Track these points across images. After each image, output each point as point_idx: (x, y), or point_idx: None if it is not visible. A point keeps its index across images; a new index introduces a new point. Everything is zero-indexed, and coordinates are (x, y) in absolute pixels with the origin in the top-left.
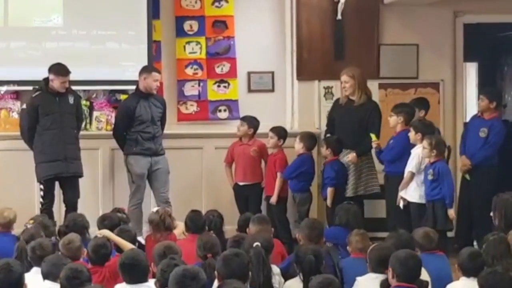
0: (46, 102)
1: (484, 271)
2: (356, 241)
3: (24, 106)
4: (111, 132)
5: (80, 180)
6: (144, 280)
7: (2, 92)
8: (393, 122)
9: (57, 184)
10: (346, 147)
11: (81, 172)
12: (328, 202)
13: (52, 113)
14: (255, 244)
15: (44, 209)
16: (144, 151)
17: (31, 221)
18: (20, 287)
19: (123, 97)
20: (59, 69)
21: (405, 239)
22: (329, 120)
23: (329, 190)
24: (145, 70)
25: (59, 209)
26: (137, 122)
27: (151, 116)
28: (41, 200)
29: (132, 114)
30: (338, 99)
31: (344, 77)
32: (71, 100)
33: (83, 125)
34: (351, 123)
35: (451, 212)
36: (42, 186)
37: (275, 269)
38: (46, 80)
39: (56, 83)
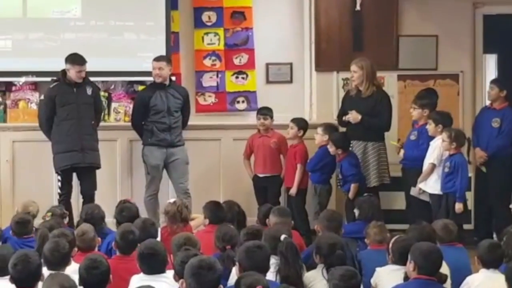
0: (63, 93)
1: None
2: (375, 233)
3: (42, 97)
4: (129, 124)
5: (98, 172)
6: (162, 271)
7: (20, 83)
8: (417, 115)
9: (75, 176)
10: (357, 139)
11: (98, 163)
12: (351, 196)
13: (69, 104)
14: (283, 237)
15: (61, 200)
16: (159, 142)
17: (49, 214)
18: (37, 278)
19: (141, 88)
20: (74, 59)
21: (427, 231)
22: (341, 111)
23: (354, 186)
24: (153, 60)
25: (77, 200)
26: (152, 112)
27: (167, 106)
28: (58, 191)
29: (147, 104)
30: (349, 90)
31: (353, 67)
32: (89, 91)
33: (101, 116)
34: (360, 114)
35: (459, 206)
36: (59, 177)
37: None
38: (64, 71)
39: (72, 73)
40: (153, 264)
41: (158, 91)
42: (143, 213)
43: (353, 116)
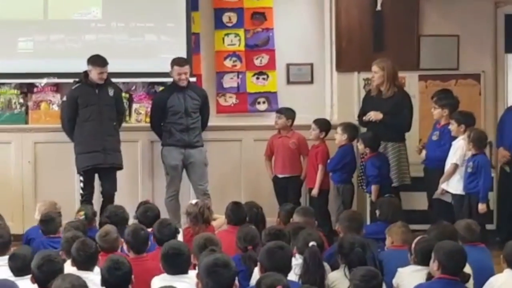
0: (85, 94)
1: None
2: (400, 232)
3: (65, 98)
4: (150, 124)
5: (120, 172)
6: (185, 271)
7: (42, 85)
8: (437, 115)
9: (96, 176)
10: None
11: (120, 163)
12: (373, 198)
13: (91, 105)
14: (311, 243)
15: (83, 200)
16: (177, 143)
17: (82, 213)
18: None
19: (161, 89)
20: (96, 60)
21: (448, 231)
22: (361, 111)
23: (374, 188)
24: (171, 64)
25: (97, 201)
26: (170, 113)
27: (184, 107)
28: (81, 191)
29: (163, 105)
30: (369, 91)
31: (374, 68)
32: (110, 92)
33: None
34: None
35: (483, 207)
36: (81, 178)
37: (325, 265)
38: (86, 72)
39: (93, 74)
40: (177, 264)
41: (175, 92)
42: (164, 214)
43: (374, 114)
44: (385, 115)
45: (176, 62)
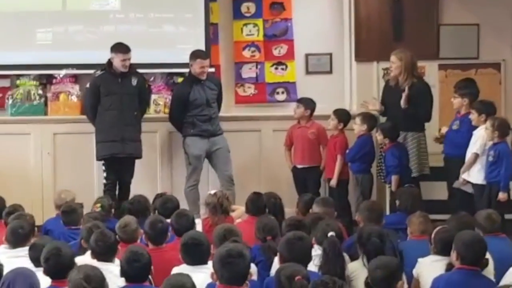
0: (108, 83)
1: None
2: (418, 223)
3: (88, 85)
4: (169, 117)
5: (139, 163)
6: (204, 262)
7: (61, 76)
8: (457, 104)
9: None
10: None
11: (138, 153)
12: (393, 188)
13: (112, 94)
14: (330, 234)
15: (107, 189)
16: (202, 133)
17: (98, 205)
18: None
19: (180, 80)
20: (119, 47)
21: (465, 221)
22: (382, 101)
23: (394, 178)
24: (191, 56)
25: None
26: (192, 106)
27: (205, 99)
28: (104, 181)
29: (186, 99)
30: (388, 81)
31: (392, 58)
32: (134, 82)
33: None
34: (399, 104)
35: (504, 196)
36: (104, 166)
37: (344, 255)
38: (110, 61)
39: (116, 62)
40: (197, 255)
41: (195, 85)
42: (183, 205)
43: (372, 103)
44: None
45: (199, 55)
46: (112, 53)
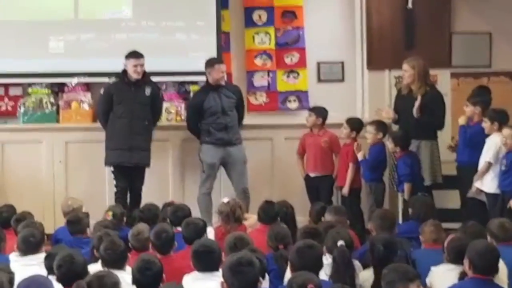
0: (121, 91)
1: None
2: (430, 231)
3: (101, 91)
4: (180, 124)
5: (150, 171)
6: (215, 269)
7: (73, 84)
8: (469, 112)
9: None
10: (411, 137)
11: (146, 162)
12: (406, 196)
13: (124, 102)
14: (339, 243)
15: (117, 197)
16: (216, 141)
17: (110, 213)
18: (84, 278)
19: (192, 88)
20: (131, 53)
21: (475, 230)
22: (394, 110)
23: (407, 186)
24: (208, 64)
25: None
26: (207, 114)
27: (221, 107)
28: (114, 189)
29: (200, 107)
30: (400, 89)
31: (404, 66)
32: (147, 91)
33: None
34: (411, 112)
35: None
36: (113, 173)
37: (356, 263)
38: (125, 70)
39: (129, 68)
40: (208, 262)
41: (211, 93)
42: (195, 212)
43: (386, 112)
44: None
45: (215, 61)
46: (125, 60)
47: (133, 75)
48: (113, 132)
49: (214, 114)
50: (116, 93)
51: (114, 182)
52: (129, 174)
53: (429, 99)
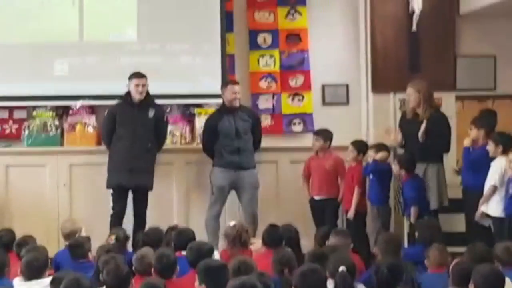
0: (123, 112)
1: None
2: (436, 255)
3: (106, 112)
4: (185, 147)
5: (155, 195)
6: None
7: (77, 107)
8: (474, 135)
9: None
10: (418, 160)
11: (148, 185)
12: (413, 220)
13: (127, 124)
14: (340, 269)
15: (112, 220)
16: (227, 165)
17: (113, 237)
18: None
19: (197, 111)
20: (133, 73)
21: (481, 253)
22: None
23: (413, 210)
24: (222, 85)
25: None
26: (221, 136)
27: (235, 129)
28: (111, 211)
29: (214, 128)
30: (405, 112)
31: (409, 90)
32: (151, 113)
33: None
34: (417, 136)
35: None
36: (112, 194)
37: (361, 287)
38: (129, 92)
39: (132, 88)
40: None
41: (225, 115)
42: (201, 235)
43: (394, 135)
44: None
45: (228, 82)
46: (128, 80)
47: (136, 96)
48: (114, 154)
49: (228, 136)
50: (119, 114)
51: (111, 204)
52: (132, 198)
53: (434, 122)
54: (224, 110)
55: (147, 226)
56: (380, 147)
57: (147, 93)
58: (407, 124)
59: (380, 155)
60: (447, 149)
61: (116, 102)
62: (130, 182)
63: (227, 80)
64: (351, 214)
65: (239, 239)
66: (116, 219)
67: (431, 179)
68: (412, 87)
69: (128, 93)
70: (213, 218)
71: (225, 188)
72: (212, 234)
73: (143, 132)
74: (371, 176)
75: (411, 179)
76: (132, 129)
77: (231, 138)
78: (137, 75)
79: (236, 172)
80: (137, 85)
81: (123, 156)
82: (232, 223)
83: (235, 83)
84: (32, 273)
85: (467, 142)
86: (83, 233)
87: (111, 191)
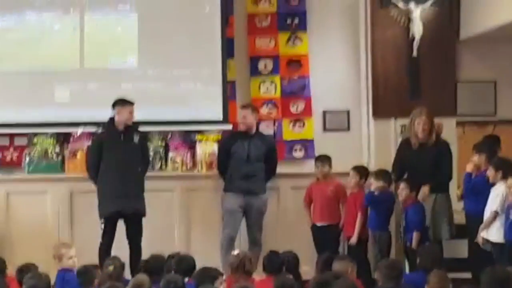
0: (110, 139)
1: None
2: (434, 282)
3: (90, 143)
4: (186, 173)
5: (155, 222)
6: None
7: (78, 134)
8: (477, 161)
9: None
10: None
11: (143, 210)
12: (414, 245)
13: (115, 150)
14: None
15: (101, 249)
16: (236, 189)
17: (110, 268)
18: None
19: (198, 137)
20: (122, 101)
21: (499, 277)
22: (398, 162)
23: (416, 235)
24: (240, 107)
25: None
26: (233, 159)
27: (247, 154)
28: (100, 240)
29: (228, 150)
30: (406, 141)
31: (423, 119)
32: (135, 139)
33: (157, 166)
34: (425, 165)
35: None
36: (102, 225)
37: None
38: (112, 118)
39: (124, 114)
40: None
41: (240, 139)
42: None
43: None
44: (427, 164)
45: (241, 106)
46: (116, 108)
47: (127, 122)
48: (105, 182)
49: (239, 160)
50: (106, 141)
51: (100, 238)
52: (126, 227)
53: (441, 150)
54: (240, 133)
55: (148, 253)
56: (381, 174)
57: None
58: (412, 153)
59: (378, 185)
60: (451, 177)
61: (100, 131)
62: (128, 208)
63: (243, 104)
64: (354, 240)
65: (242, 268)
66: (104, 253)
67: (442, 208)
68: (426, 115)
69: (112, 120)
70: (225, 242)
71: (235, 211)
72: (225, 256)
73: (132, 156)
74: (369, 207)
75: (415, 204)
76: (122, 155)
77: (242, 163)
78: (123, 102)
79: (246, 197)
80: (130, 113)
81: (117, 182)
82: (235, 252)
83: (244, 107)
84: None
85: (469, 168)
86: (70, 258)
87: (101, 222)
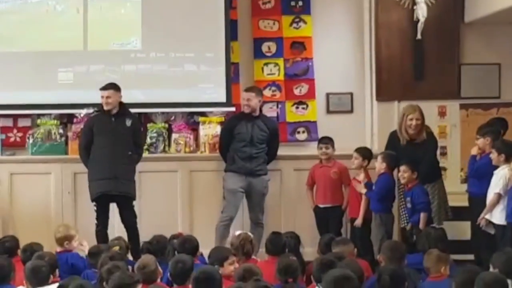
0: (101, 122)
1: None
2: (434, 263)
3: (82, 126)
4: (189, 155)
5: (158, 202)
6: None
7: (82, 115)
8: (481, 144)
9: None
10: None
11: (132, 193)
12: (421, 226)
13: (105, 133)
14: None
15: (98, 231)
16: (238, 170)
17: (117, 248)
18: None
19: (201, 119)
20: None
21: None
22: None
23: (423, 215)
24: (243, 90)
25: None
26: (236, 139)
27: (250, 136)
28: (95, 222)
29: (231, 131)
30: (394, 135)
31: (417, 115)
32: (128, 122)
33: (161, 148)
34: (416, 161)
35: None
36: (95, 207)
37: None
38: None
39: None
40: None
41: (244, 120)
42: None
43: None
44: (417, 160)
45: (245, 88)
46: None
47: (105, 107)
48: (95, 163)
49: (242, 141)
50: (97, 124)
51: (96, 221)
52: (119, 209)
53: (429, 145)
54: (244, 115)
55: (152, 234)
56: (386, 155)
57: (122, 103)
58: (401, 149)
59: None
60: (435, 166)
61: (93, 114)
62: (115, 189)
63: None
64: (359, 222)
65: (242, 249)
66: (101, 235)
67: (432, 199)
68: (419, 112)
69: None
70: (223, 225)
71: (237, 191)
72: (219, 240)
73: (123, 140)
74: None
75: (419, 185)
76: (112, 138)
77: (245, 145)
78: (102, 87)
79: (247, 178)
80: (102, 97)
81: (106, 164)
82: (237, 232)
83: (248, 90)
84: (38, 281)
85: (474, 151)
86: (76, 241)
87: (93, 205)
